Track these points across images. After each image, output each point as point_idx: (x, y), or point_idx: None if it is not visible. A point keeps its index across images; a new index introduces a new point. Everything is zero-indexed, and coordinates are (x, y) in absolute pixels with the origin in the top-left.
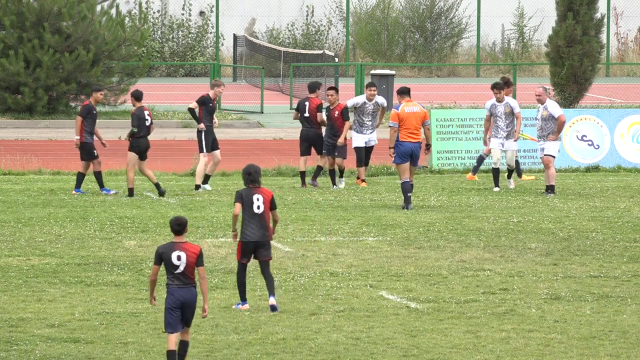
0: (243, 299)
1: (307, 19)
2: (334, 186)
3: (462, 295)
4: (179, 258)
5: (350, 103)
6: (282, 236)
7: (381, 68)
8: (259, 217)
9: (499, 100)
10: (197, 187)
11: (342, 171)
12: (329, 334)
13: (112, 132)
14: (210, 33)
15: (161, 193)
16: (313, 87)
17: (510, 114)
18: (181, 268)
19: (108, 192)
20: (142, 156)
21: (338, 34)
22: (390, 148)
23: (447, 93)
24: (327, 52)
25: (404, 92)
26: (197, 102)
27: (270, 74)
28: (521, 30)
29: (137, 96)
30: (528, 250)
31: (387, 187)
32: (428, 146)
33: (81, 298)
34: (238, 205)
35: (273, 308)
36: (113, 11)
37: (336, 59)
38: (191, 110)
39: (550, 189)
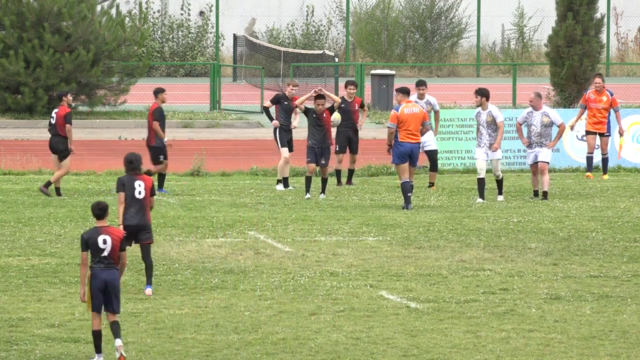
0: (149, 283)
1: (307, 19)
2: (322, 194)
3: (462, 295)
4: (104, 242)
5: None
6: (282, 236)
7: (381, 68)
8: (140, 202)
9: (482, 108)
10: (280, 181)
11: (325, 180)
12: (329, 334)
13: (112, 132)
14: (210, 33)
15: (44, 189)
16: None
17: (492, 123)
18: (107, 251)
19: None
20: (60, 156)
21: (338, 34)
22: (388, 146)
23: (447, 93)
24: (327, 52)
25: (404, 91)
26: (270, 100)
27: (270, 74)
28: (521, 30)
29: (58, 96)
30: (528, 250)
31: (387, 187)
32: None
33: None
34: (122, 195)
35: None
36: (113, 11)
37: (336, 59)
38: (265, 109)
39: (544, 194)
